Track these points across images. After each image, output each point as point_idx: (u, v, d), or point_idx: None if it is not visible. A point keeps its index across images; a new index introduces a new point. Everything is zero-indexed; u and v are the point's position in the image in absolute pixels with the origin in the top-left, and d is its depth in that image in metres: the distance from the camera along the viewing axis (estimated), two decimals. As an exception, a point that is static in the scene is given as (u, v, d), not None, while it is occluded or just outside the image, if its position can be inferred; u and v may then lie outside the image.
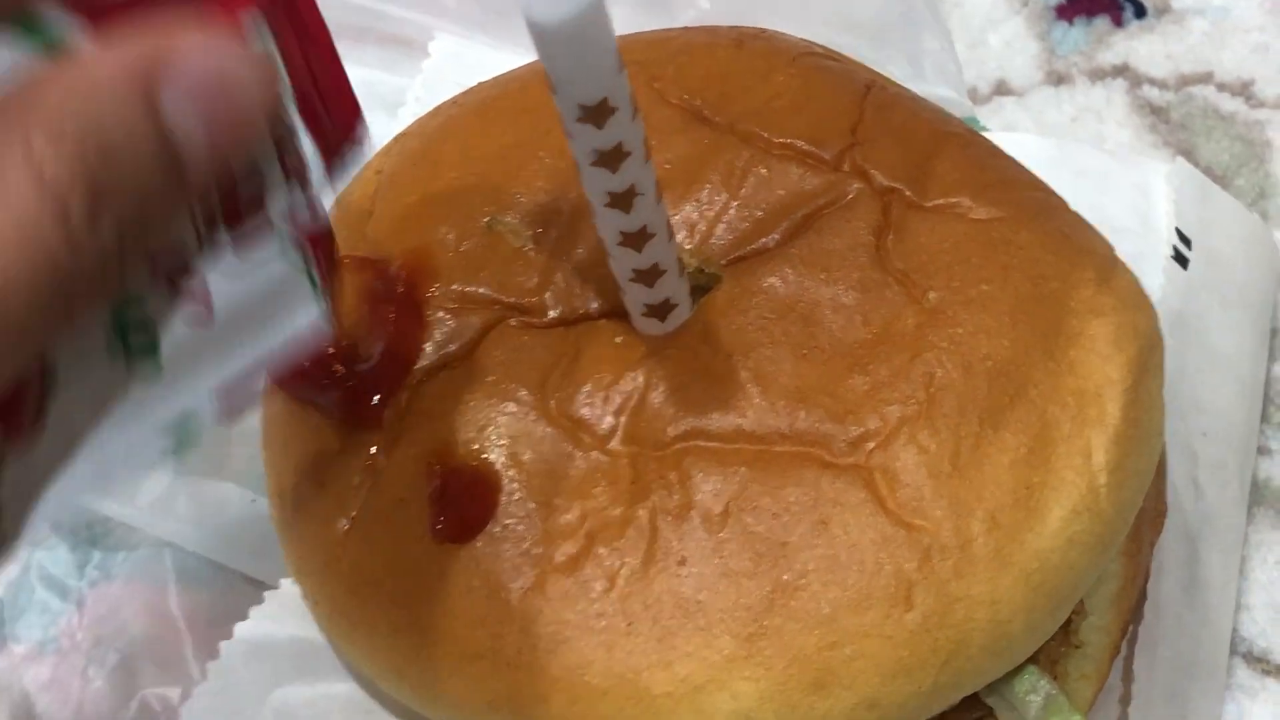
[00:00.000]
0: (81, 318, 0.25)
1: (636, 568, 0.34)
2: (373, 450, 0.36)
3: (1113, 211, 0.45)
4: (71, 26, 0.26)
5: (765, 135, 0.38)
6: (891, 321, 0.35)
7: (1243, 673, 0.44)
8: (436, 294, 0.37)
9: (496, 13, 0.52)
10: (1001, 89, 0.54)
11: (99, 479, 0.27)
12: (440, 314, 0.37)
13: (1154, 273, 0.44)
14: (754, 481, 0.34)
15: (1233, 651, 0.44)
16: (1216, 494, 0.43)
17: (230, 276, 0.28)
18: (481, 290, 0.37)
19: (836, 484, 0.34)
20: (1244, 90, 0.53)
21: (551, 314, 0.37)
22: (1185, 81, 0.53)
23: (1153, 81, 0.53)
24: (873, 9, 0.51)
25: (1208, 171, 0.51)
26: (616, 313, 0.37)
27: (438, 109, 0.42)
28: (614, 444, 0.35)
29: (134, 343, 0.27)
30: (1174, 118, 0.53)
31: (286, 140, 0.29)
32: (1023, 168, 0.39)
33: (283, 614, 0.39)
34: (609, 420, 0.35)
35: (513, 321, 0.37)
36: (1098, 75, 0.54)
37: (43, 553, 0.46)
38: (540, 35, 0.29)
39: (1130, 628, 0.39)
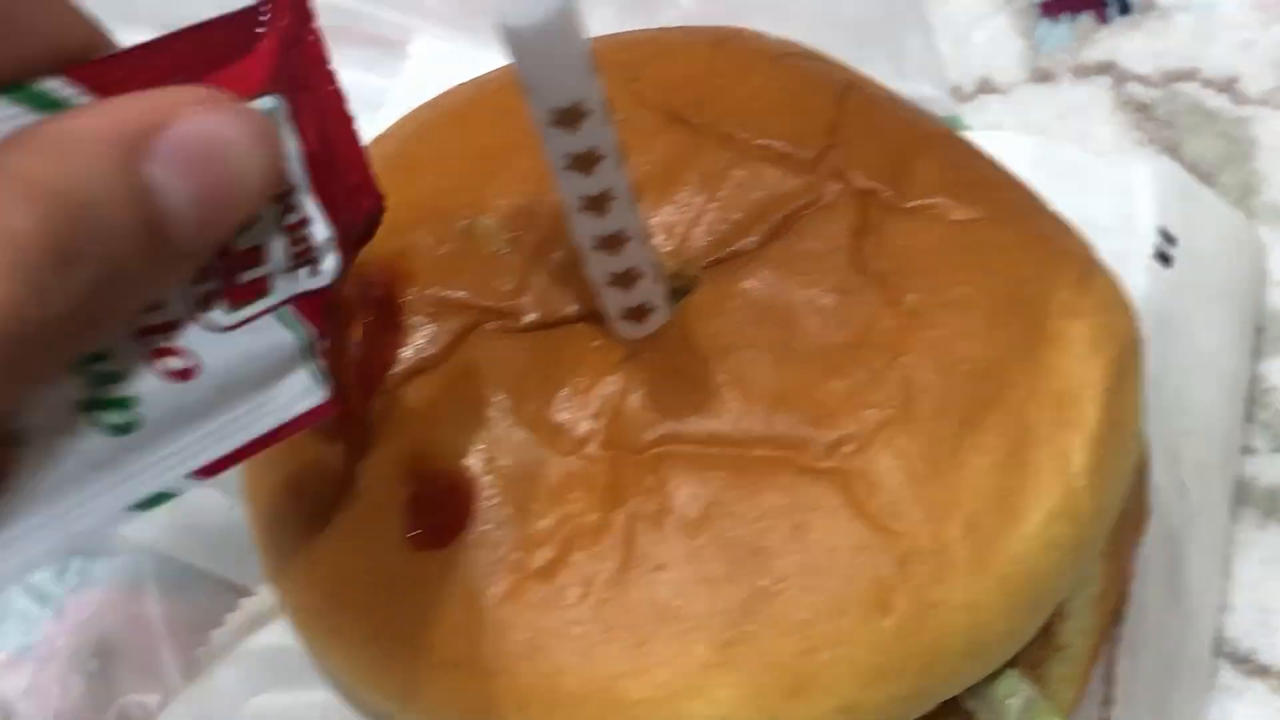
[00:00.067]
0: (48, 374, 0.24)
1: (613, 574, 0.33)
2: (348, 456, 0.36)
3: (1095, 210, 0.45)
4: (76, 96, 0.26)
5: (744, 137, 0.38)
6: (870, 324, 0.35)
7: (1227, 674, 0.44)
8: (413, 298, 0.37)
9: (477, 13, 0.52)
10: (986, 87, 0.54)
11: (63, 541, 0.27)
12: (417, 318, 0.37)
13: (1137, 272, 0.44)
14: (731, 486, 0.34)
15: (1217, 653, 0.44)
16: (1200, 494, 0.43)
17: (223, 341, 0.28)
18: (458, 294, 0.37)
19: (814, 488, 0.34)
20: (1229, 87, 0.53)
21: (529, 318, 0.37)
22: (1170, 78, 0.53)
23: (1138, 78, 0.53)
24: (856, 7, 0.51)
25: (1193, 169, 0.51)
26: (595, 316, 0.36)
27: (415, 111, 0.42)
28: (591, 449, 0.35)
29: (106, 399, 0.27)
30: (1159, 115, 0.53)
31: (294, 211, 0.29)
32: (1003, 168, 0.39)
33: (260, 620, 0.39)
34: (586, 425, 0.35)
35: (490, 326, 0.37)
36: (1082, 72, 0.54)
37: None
38: (512, 39, 0.29)
39: (1112, 630, 0.39)
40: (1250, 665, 0.44)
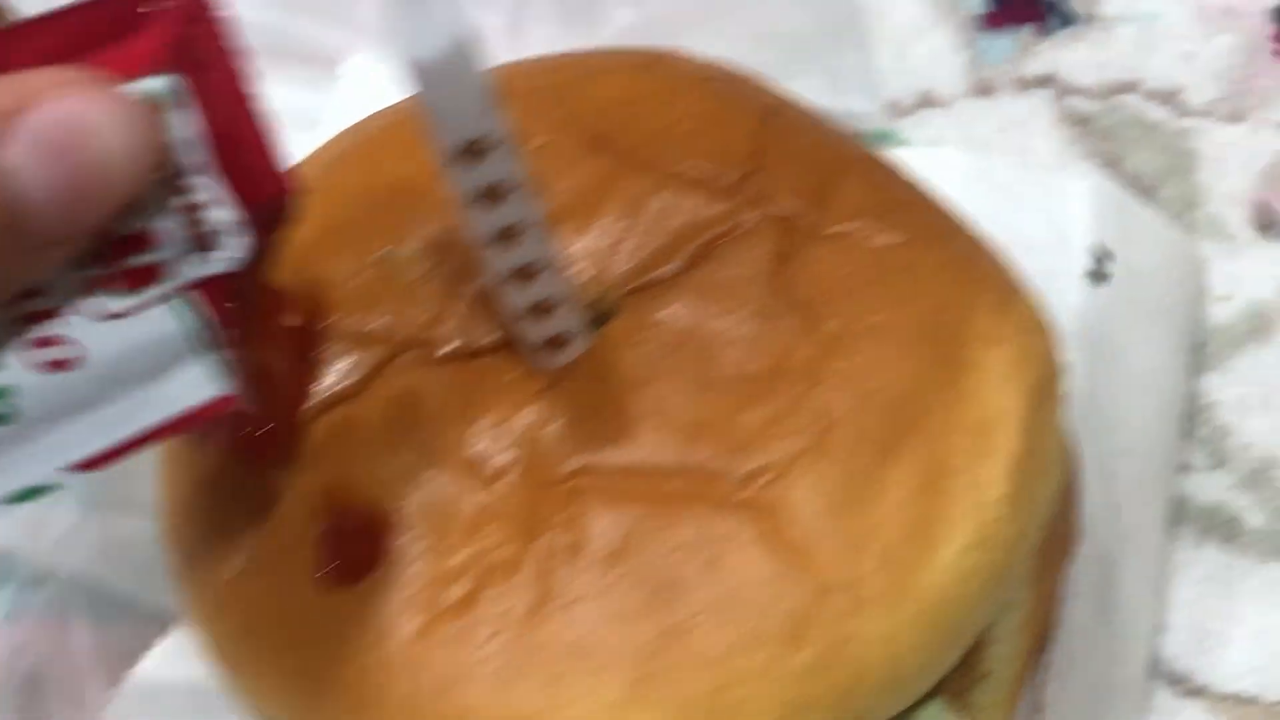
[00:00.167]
0: None
1: (527, 609, 0.33)
2: (262, 491, 0.35)
3: (1030, 227, 0.45)
4: None
5: (666, 162, 0.38)
6: (788, 353, 0.35)
7: (1163, 695, 0.44)
8: (330, 329, 0.37)
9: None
10: (926, 100, 0.53)
11: None
12: (334, 349, 0.37)
13: (1070, 289, 0.44)
14: (647, 519, 0.34)
15: (1153, 674, 0.44)
16: (1135, 514, 0.43)
17: (110, 329, 0.28)
18: (376, 325, 0.37)
19: (729, 521, 0.33)
20: (1171, 99, 0.53)
21: (448, 348, 0.36)
22: (1112, 90, 0.53)
23: (1079, 91, 0.53)
24: (794, 23, 0.51)
25: (1134, 182, 0.51)
26: (514, 346, 0.36)
27: (338, 137, 0.42)
28: (507, 482, 0.35)
29: None
30: (1100, 127, 0.52)
31: (191, 193, 0.28)
32: (926, 190, 0.39)
33: (180, 656, 0.39)
34: (503, 457, 0.35)
35: (408, 356, 0.36)
36: (1024, 85, 0.53)
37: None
38: (414, 73, 0.28)
39: (1040, 654, 0.39)
40: (1187, 686, 0.44)
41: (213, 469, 0.36)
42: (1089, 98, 0.53)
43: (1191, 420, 0.47)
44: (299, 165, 0.41)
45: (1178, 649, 0.44)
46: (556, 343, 0.35)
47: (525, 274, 0.33)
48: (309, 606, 0.34)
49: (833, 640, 0.32)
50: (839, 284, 0.36)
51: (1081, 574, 0.41)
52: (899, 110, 0.53)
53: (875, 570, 0.33)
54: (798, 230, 0.36)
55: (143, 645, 0.41)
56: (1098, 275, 0.44)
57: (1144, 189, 0.50)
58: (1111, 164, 0.51)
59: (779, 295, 0.36)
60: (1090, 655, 0.40)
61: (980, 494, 0.34)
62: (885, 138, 0.50)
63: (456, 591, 0.34)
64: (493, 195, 0.31)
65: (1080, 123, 0.52)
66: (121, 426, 0.28)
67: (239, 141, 0.29)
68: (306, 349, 0.36)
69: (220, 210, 0.28)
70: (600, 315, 0.36)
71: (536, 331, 0.35)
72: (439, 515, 0.34)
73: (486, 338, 0.36)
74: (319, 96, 0.50)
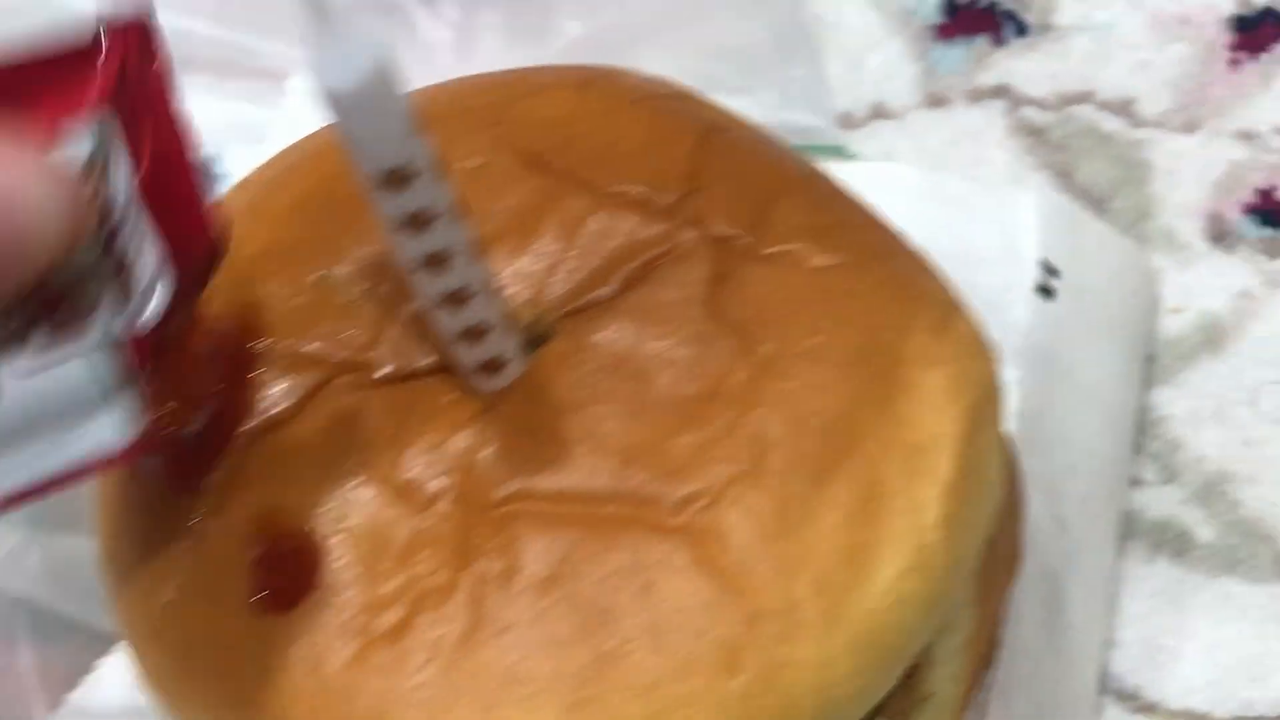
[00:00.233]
0: None
1: (460, 637, 0.33)
2: (197, 517, 0.35)
3: (979, 242, 0.45)
4: None
5: (604, 182, 0.37)
6: (723, 376, 0.35)
7: (1113, 711, 0.43)
8: (265, 352, 0.36)
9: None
10: (879, 112, 0.53)
11: None
12: (269, 373, 0.36)
13: (1019, 305, 0.44)
14: (581, 545, 0.33)
15: (1103, 690, 0.44)
16: (1083, 530, 0.43)
17: (29, 378, 0.28)
18: (311, 348, 0.36)
19: (663, 546, 0.33)
20: (1125, 109, 0.53)
21: (382, 371, 0.36)
22: (1066, 101, 0.53)
23: (1032, 102, 0.53)
24: (745, 37, 0.51)
25: (1087, 193, 0.51)
26: (448, 370, 0.36)
27: (284, 151, 0.42)
28: (441, 507, 0.34)
29: None
30: (1053, 139, 0.52)
31: (118, 247, 0.28)
32: (868, 209, 0.38)
33: (122, 677, 0.39)
34: (437, 482, 0.35)
35: (344, 380, 0.36)
36: (976, 96, 0.53)
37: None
38: (331, 102, 0.28)
39: (984, 674, 0.39)
40: (1137, 702, 0.44)
41: (147, 494, 0.36)
42: (1042, 109, 0.53)
43: (1143, 434, 0.47)
44: (239, 185, 0.41)
45: (1128, 665, 0.44)
46: (492, 366, 0.35)
47: (455, 300, 0.33)
48: (242, 633, 0.34)
49: (766, 666, 0.32)
50: (776, 306, 0.35)
51: (1028, 592, 0.41)
52: (851, 122, 0.53)
53: (809, 595, 0.33)
54: (735, 251, 0.36)
55: (85, 666, 0.40)
56: (1047, 290, 0.44)
57: (1095, 201, 0.50)
58: (1065, 175, 0.51)
59: (715, 317, 0.35)
60: (1037, 674, 0.40)
61: (916, 518, 0.34)
62: (836, 152, 0.49)
63: (390, 618, 0.33)
64: (418, 222, 0.31)
65: (1034, 134, 0.52)
66: (29, 469, 0.28)
67: (170, 190, 0.29)
68: (241, 372, 0.36)
69: (146, 263, 0.28)
70: (537, 338, 0.36)
71: (471, 356, 0.35)
72: (373, 540, 0.34)
73: (424, 360, 0.36)
74: (267, 111, 0.50)
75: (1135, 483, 0.46)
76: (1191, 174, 0.51)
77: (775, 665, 0.32)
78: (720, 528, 0.33)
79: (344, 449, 0.35)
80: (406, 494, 0.35)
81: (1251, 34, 0.54)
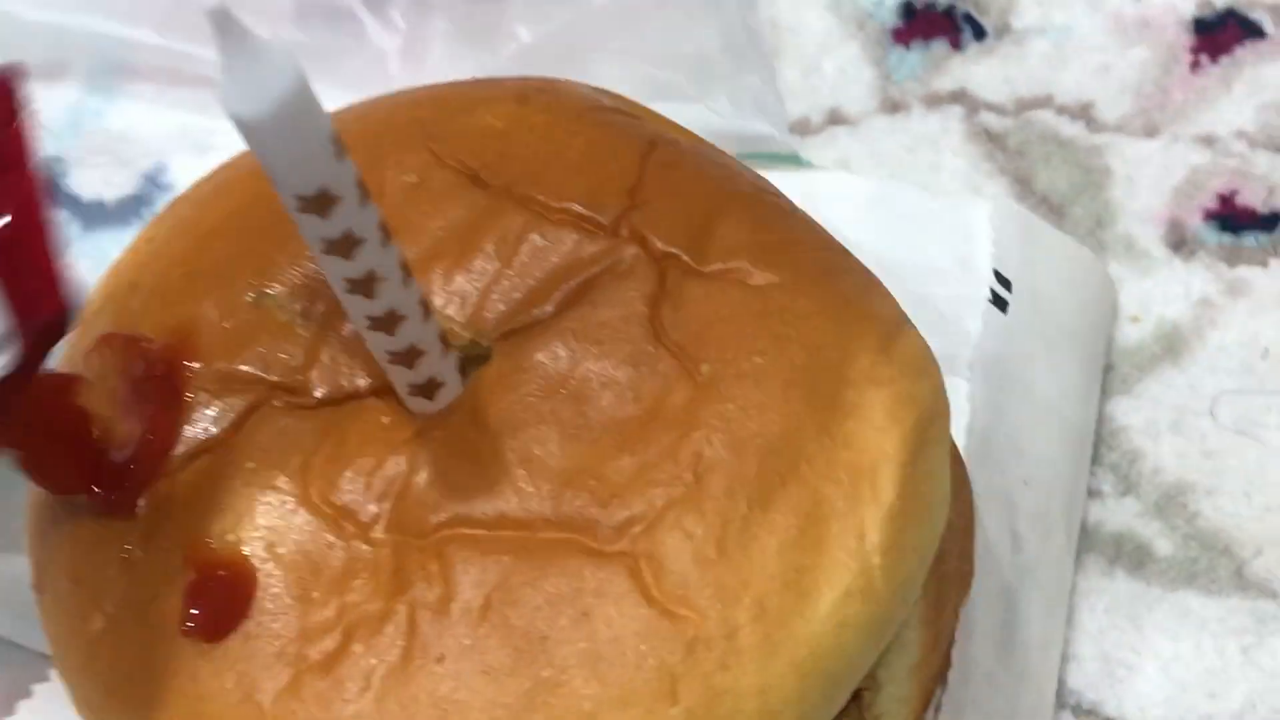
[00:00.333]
0: None
1: (394, 666, 0.32)
2: (128, 545, 0.35)
3: (933, 254, 0.44)
4: None
5: (542, 199, 0.37)
6: (663, 398, 0.34)
7: (1069, 726, 0.43)
8: (198, 374, 0.36)
9: (309, 59, 0.50)
10: (835, 118, 0.52)
11: None
12: (201, 395, 0.36)
13: (974, 317, 0.43)
14: (517, 571, 0.33)
15: (1061, 705, 0.43)
16: (1038, 544, 0.42)
17: None
18: (245, 369, 0.36)
19: (600, 573, 0.32)
20: (1084, 113, 0.52)
21: (317, 393, 0.35)
22: (1024, 106, 0.52)
23: (990, 107, 0.52)
24: (696, 45, 0.50)
25: (1045, 200, 0.50)
26: (386, 391, 0.35)
27: (217, 170, 0.41)
28: (376, 533, 0.34)
29: None
30: (1011, 145, 0.52)
31: None
32: (814, 225, 0.38)
33: (61, 702, 0.38)
34: (372, 508, 0.34)
35: (277, 402, 0.35)
36: (934, 102, 0.53)
37: None
38: (243, 129, 0.28)
39: (935, 694, 0.38)
40: (1095, 717, 0.43)
41: (75, 521, 0.36)
42: (1000, 114, 0.52)
43: (1101, 445, 0.46)
44: (174, 202, 0.40)
45: (1086, 680, 0.43)
46: (428, 389, 0.34)
47: (386, 323, 0.32)
48: (172, 663, 0.33)
49: (707, 694, 0.32)
50: (716, 325, 0.35)
51: (982, 609, 0.40)
52: (807, 128, 0.52)
53: (749, 621, 0.32)
54: (676, 269, 0.36)
55: (22, 687, 0.40)
56: (1000, 302, 0.44)
57: (1054, 208, 0.50)
58: (1023, 182, 0.51)
59: (655, 338, 0.35)
60: (991, 692, 0.40)
61: (858, 542, 0.33)
62: (791, 160, 0.49)
63: (324, 645, 0.33)
64: (344, 246, 0.30)
65: (991, 140, 0.52)
66: None
67: (23, 251, 0.28)
68: (172, 397, 0.36)
69: None
70: (475, 358, 0.36)
71: (405, 378, 0.34)
72: (306, 568, 0.34)
73: (358, 382, 0.35)
74: (213, 120, 0.49)
75: (1093, 495, 0.46)
76: (1150, 180, 0.50)
77: (715, 693, 0.32)
78: (659, 552, 0.32)
79: (278, 474, 0.35)
80: (341, 519, 0.34)
81: (1212, 36, 0.53)
